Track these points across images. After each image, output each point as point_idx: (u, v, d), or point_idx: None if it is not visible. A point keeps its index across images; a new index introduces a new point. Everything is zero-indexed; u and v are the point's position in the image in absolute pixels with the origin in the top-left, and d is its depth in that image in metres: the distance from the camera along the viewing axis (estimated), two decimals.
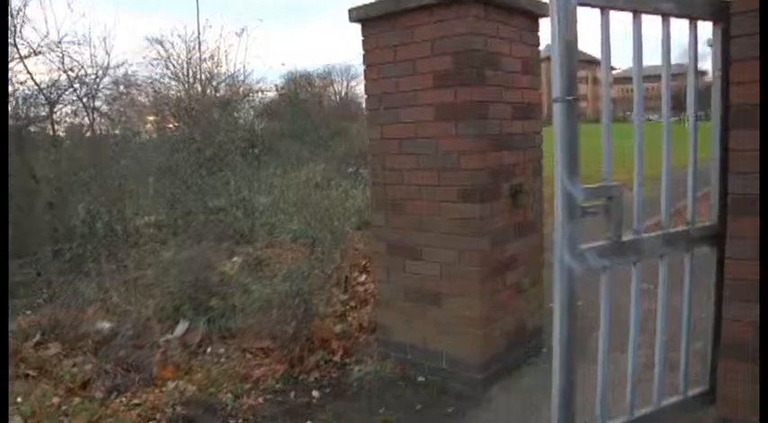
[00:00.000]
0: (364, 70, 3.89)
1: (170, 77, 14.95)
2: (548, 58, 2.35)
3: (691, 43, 2.70)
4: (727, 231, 2.60)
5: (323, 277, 5.57)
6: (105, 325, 4.55)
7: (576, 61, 2.31)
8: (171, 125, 12.69)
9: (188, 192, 8.52)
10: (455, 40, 3.37)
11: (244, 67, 15.14)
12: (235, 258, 6.66)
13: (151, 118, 13.61)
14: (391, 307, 3.99)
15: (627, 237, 2.59)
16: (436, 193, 3.61)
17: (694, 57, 2.72)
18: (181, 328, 4.60)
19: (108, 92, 10.05)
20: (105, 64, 9.45)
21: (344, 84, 29.83)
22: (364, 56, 3.87)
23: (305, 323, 4.39)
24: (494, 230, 3.56)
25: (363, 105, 4.54)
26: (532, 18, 3.81)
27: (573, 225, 2.38)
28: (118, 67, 10.13)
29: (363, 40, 3.86)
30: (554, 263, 2.43)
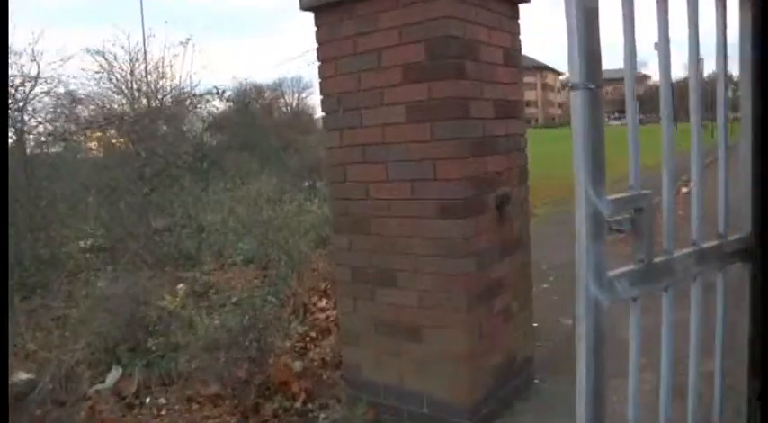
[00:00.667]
0: (318, 67, 3.32)
1: (113, 91, 14.12)
2: None
3: (719, 25, 2.21)
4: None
5: (278, 305, 4.97)
6: (22, 376, 3.84)
7: (598, 36, 1.78)
8: (114, 141, 11.97)
9: (130, 212, 7.80)
10: (428, 25, 2.83)
11: (190, 77, 14.40)
12: (180, 285, 5.98)
13: (93, 134, 12.83)
14: (360, 342, 3.41)
15: (658, 258, 2.08)
16: (409, 209, 3.05)
17: (723, 43, 2.24)
18: (113, 375, 3.92)
19: (39, 105, 9.23)
20: (35, 73, 8.65)
21: (295, 95, 29.41)
22: (318, 49, 3.30)
23: (259, 363, 3.78)
24: (479, 250, 3.03)
25: (316, 115, 3.95)
26: (511, 3, 3.31)
27: (599, 246, 1.85)
28: (56, 79, 9.31)
29: (317, 31, 3.29)
30: (577, 294, 1.90)
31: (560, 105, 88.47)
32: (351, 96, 3.18)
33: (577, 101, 1.76)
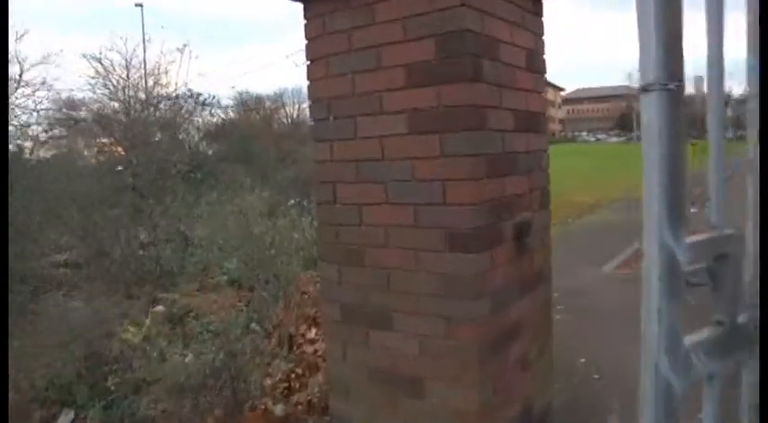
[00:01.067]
0: (307, 67, 2.81)
1: (109, 97, 13.71)
2: None
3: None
4: None
5: (262, 335, 4.45)
6: None
7: (681, 18, 1.29)
8: (106, 147, 11.58)
9: (112, 223, 7.29)
10: (438, 16, 2.32)
11: (186, 85, 13.96)
12: (158, 307, 5.47)
13: (89, 140, 12.46)
14: (350, 393, 2.87)
15: (741, 316, 1.57)
16: (411, 238, 2.53)
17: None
18: (64, 419, 3.40)
19: (18, 112, 8.81)
20: (17, 74, 8.26)
21: (296, 106, 29.08)
22: (307, 46, 2.80)
23: (234, 408, 3.27)
24: (494, 289, 2.51)
25: None
26: None
27: (676, 308, 1.34)
28: (42, 82, 8.94)
29: (306, 25, 2.79)
30: (642, 371, 1.38)
31: (561, 121, 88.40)
32: (343, 102, 2.67)
33: (652, 104, 1.25)
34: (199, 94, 12.41)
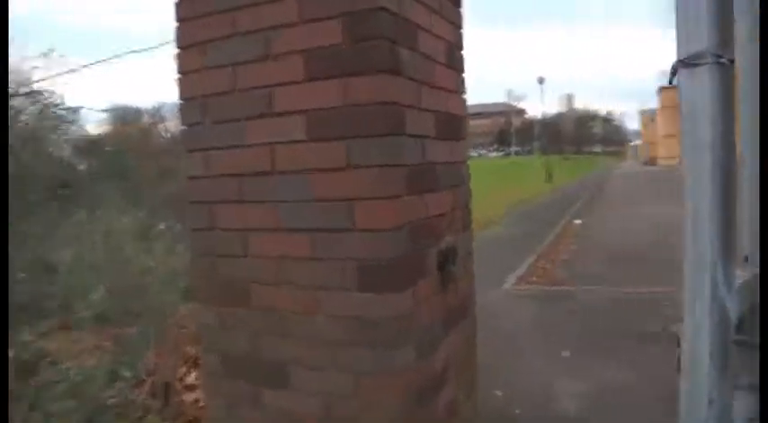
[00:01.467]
0: (178, 55, 2.24)
1: None
2: None
3: None
4: None
5: (132, 383, 3.74)
6: None
7: None
8: None
9: None
10: None
11: (55, 94, 12.69)
12: None
13: None
14: None
15: None
16: (311, 273, 2.00)
17: None
18: None
19: None
20: None
21: (177, 120, 27.75)
22: (178, 30, 2.23)
23: None
24: (419, 330, 2.03)
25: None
26: None
27: (728, 377, 0.92)
28: None
29: (178, 3, 2.22)
30: None
31: None
32: (223, 100, 2.11)
33: (699, 84, 0.79)
34: (70, 106, 11.32)
